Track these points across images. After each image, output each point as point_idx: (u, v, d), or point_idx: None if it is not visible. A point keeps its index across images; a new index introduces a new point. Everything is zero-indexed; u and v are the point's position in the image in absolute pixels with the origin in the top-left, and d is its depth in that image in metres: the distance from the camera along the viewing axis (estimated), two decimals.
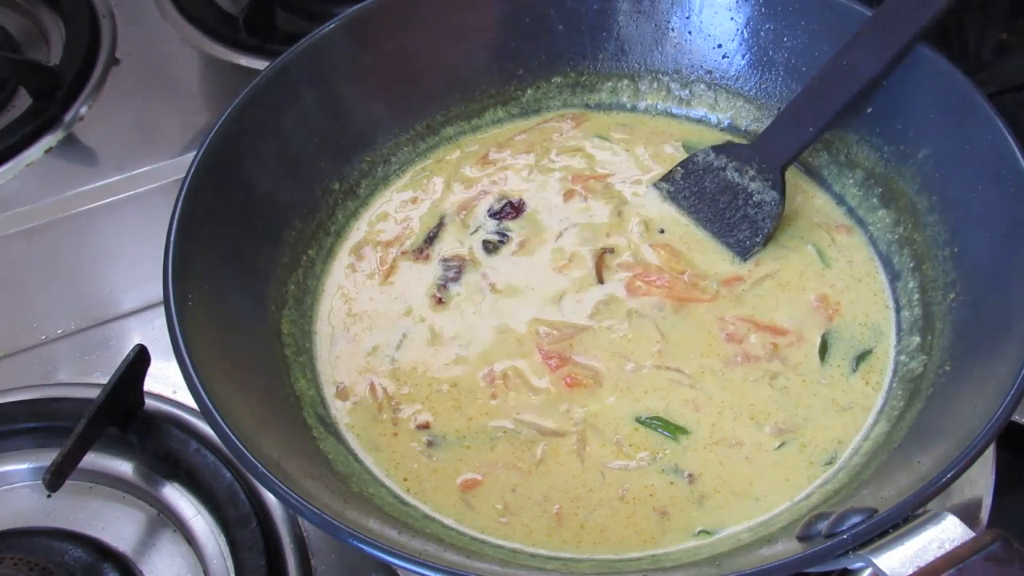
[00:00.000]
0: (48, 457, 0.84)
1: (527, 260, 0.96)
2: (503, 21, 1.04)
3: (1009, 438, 0.75)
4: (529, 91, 1.08)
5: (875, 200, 0.95)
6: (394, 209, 1.02)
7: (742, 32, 1.01)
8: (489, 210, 1.00)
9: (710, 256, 0.95)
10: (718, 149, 0.98)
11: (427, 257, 0.97)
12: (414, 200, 1.02)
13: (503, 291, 0.94)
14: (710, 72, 1.04)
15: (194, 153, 0.86)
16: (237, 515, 0.85)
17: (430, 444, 0.84)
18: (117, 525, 0.89)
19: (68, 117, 1.22)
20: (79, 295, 1.07)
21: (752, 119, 1.04)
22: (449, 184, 1.03)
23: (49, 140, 1.20)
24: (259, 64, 1.25)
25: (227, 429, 0.70)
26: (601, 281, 0.94)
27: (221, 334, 0.81)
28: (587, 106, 1.09)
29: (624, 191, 1.01)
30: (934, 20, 0.88)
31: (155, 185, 1.13)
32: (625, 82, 1.08)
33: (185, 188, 0.84)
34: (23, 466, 0.92)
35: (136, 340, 0.94)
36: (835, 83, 0.92)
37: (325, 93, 0.98)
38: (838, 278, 0.93)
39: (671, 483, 0.81)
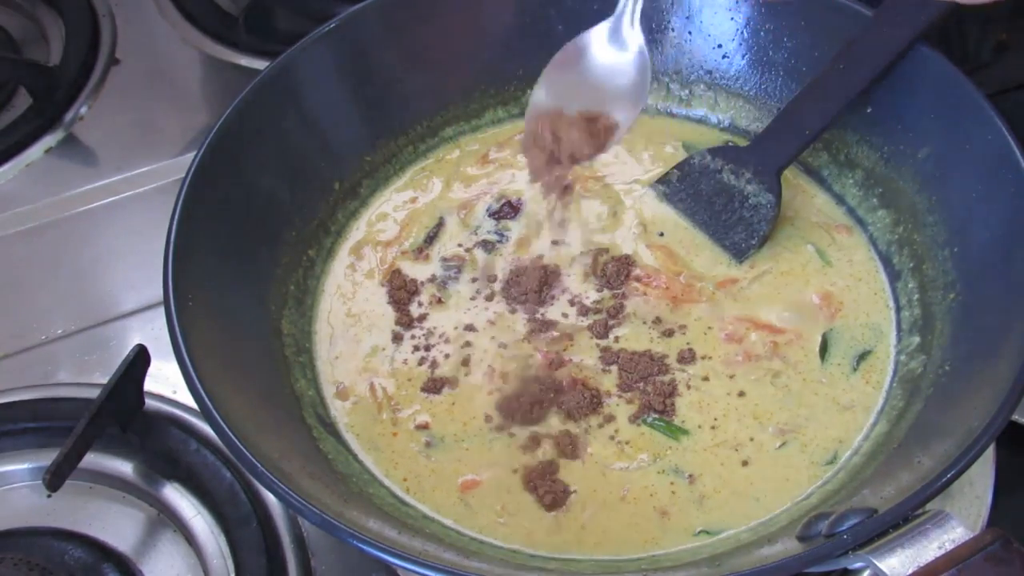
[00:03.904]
0: (48, 457, 0.84)
1: (525, 260, 0.96)
2: (503, 21, 1.04)
3: (1009, 438, 0.75)
4: (529, 91, 1.07)
5: (875, 200, 0.95)
6: (394, 209, 1.02)
7: (742, 32, 1.01)
8: (488, 209, 1.00)
9: (707, 258, 0.95)
10: (714, 151, 0.97)
11: (427, 257, 0.97)
12: (414, 200, 1.02)
13: (502, 291, 0.93)
14: (710, 72, 1.04)
15: (194, 153, 0.86)
16: (237, 515, 0.85)
17: (429, 445, 0.84)
18: (117, 525, 0.89)
19: (68, 117, 1.22)
20: (79, 295, 1.07)
21: (752, 119, 1.04)
22: (449, 184, 1.03)
23: (49, 140, 1.20)
24: (259, 64, 1.24)
25: (227, 429, 0.70)
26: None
27: (221, 334, 0.81)
28: None
29: (622, 191, 1.01)
30: (932, 23, 0.88)
31: (155, 185, 1.13)
32: None
33: (185, 188, 0.84)
34: (23, 466, 0.92)
35: (136, 340, 0.94)
36: (832, 86, 0.92)
37: (325, 93, 0.98)
38: (839, 277, 0.93)
39: (671, 483, 0.81)
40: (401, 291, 0.94)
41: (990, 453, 0.83)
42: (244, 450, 0.69)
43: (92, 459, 0.88)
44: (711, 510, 0.79)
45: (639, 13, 0.78)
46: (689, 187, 0.98)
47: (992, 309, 0.79)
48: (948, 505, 0.80)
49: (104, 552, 0.87)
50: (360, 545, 0.65)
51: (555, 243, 0.97)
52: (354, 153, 1.01)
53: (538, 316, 0.91)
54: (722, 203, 0.96)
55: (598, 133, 0.81)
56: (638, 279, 0.93)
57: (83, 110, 1.23)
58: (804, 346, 0.88)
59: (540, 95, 0.83)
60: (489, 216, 1.00)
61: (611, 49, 0.80)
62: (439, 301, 0.94)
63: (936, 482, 0.64)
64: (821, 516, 0.67)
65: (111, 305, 1.06)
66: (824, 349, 0.88)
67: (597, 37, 0.80)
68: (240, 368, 0.81)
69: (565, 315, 0.91)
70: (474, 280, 0.95)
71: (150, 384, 0.91)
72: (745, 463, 0.82)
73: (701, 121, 1.06)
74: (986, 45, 1.20)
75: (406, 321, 0.92)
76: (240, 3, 1.32)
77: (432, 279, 0.96)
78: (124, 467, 0.91)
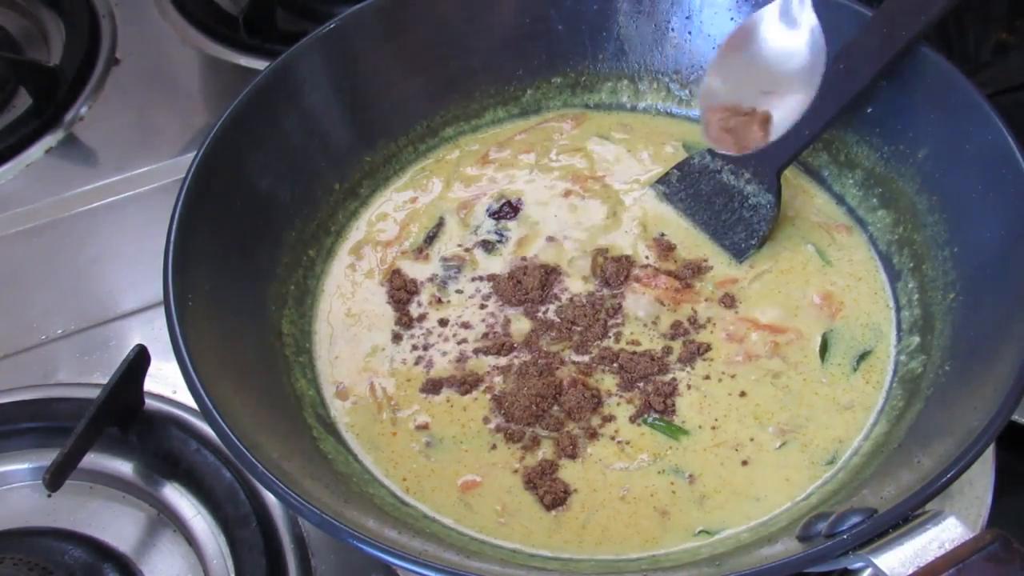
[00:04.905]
0: (48, 457, 0.84)
1: (525, 260, 0.96)
2: (503, 21, 1.04)
3: (1009, 438, 0.75)
4: (529, 91, 1.08)
5: (875, 200, 0.95)
6: (394, 209, 1.02)
7: None
8: (488, 209, 1.00)
9: (707, 257, 0.95)
10: (714, 152, 0.97)
11: (427, 257, 0.97)
12: (414, 200, 1.02)
13: (502, 291, 0.93)
14: None
15: (194, 153, 0.86)
16: (237, 515, 0.85)
17: (428, 445, 0.84)
18: (117, 525, 0.89)
19: (68, 117, 1.22)
20: (79, 295, 1.07)
21: None
22: (449, 184, 1.03)
23: (49, 140, 1.20)
24: (259, 64, 1.25)
25: (227, 429, 0.70)
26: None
27: (221, 334, 0.81)
28: (587, 106, 1.09)
29: (622, 191, 1.01)
30: (931, 23, 0.88)
31: (155, 185, 1.14)
32: (625, 82, 1.08)
33: (185, 188, 0.84)
34: (23, 466, 0.92)
35: (136, 340, 0.94)
36: (832, 87, 0.91)
37: (325, 93, 0.98)
38: (839, 277, 0.93)
39: (672, 483, 0.81)
40: (401, 291, 0.94)
41: (990, 453, 0.83)
42: (244, 450, 0.69)
43: (92, 459, 0.88)
44: (711, 510, 0.79)
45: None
46: (689, 187, 0.98)
47: (992, 309, 0.79)
48: (948, 505, 0.80)
49: (104, 552, 0.87)
50: (360, 545, 0.65)
51: (550, 239, 0.97)
52: (354, 153, 1.01)
53: (538, 316, 0.91)
54: (722, 203, 0.96)
55: (763, 126, 0.82)
56: (638, 279, 0.93)
57: (83, 110, 1.23)
58: (804, 346, 0.88)
59: (716, 83, 0.82)
60: (489, 216, 1.00)
61: (783, 29, 0.80)
62: (439, 301, 0.94)
63: (936, 482, 0.64)
64: (821, 516, 0.67)
65: (111, 305, 1.06)
66: (824, 349, 0.88)
67: (769, 17, 0.80)
68: (240, 368, 0.81)
69: (565, 315, 0.91)
70: (474, 280, 0.95)
71: (150, 384, 0.91)
72: (745, 463, 0.82)
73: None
74: (986, 45, 1.19)
75: (406, 321, 0.92)
76: (240, 3, 1.32)
77: (432, 279, 0.96)
78: (124, 467, 0.91)
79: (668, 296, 0.92)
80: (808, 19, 0.79)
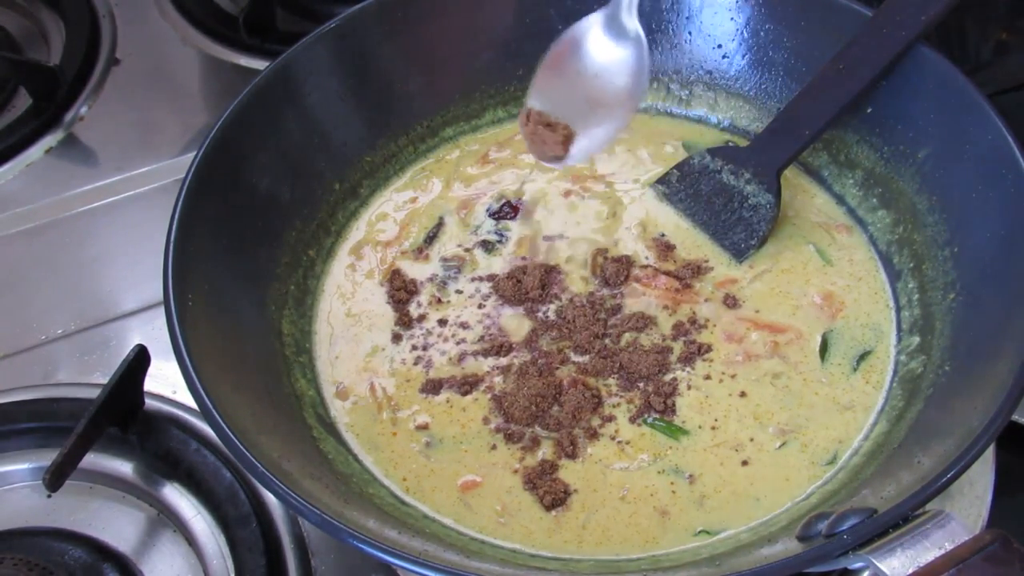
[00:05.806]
0: (48, 457, 0.84)
1: (525, 260, 0.96)
2: (503, 21, 1.04)
3: (1009, 438, 0.75)
4: None
5: (875, 200, 0.95)
6: (394, 209, 1.02)
7: (742, 32, 1.01)
8: (488, 210, 1.00)
9: (707, 257, 0.95)
10: (714, 152, 0.97)
11: (427, 257, 0.97)
12: (414, 200, 1.02)
13: (502, 291, 0.93)
14: (710, 72, 1.04)
15: (194, 153, 0.86)
16: (237, 515, 0.85)
17: (428, 445, 0.84)
18: (117, 525, 0.89)
19: (68, 117, 1.22)
20: (79, 295, 1.07)
21: (752, 119, 1.04)
22: (449, 184, 1.03)
23: (49, 140, 1.20)
24: (259, 64, 1.25)
25: (227, 429, 0.70)
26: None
27: (221, 334, 0.82)
28: None
29: (622, 192, 1.01)
30: (931, 23, 0.88)
31: (155, 185, 1.14)
32: None
33: (185, 188, 0.84)
34: (23, 466, 0.92)
35: (136, 340, 0.94)
36: (831, 87, 0.92)
37: (326, 93, 0.98)
38: (839, 276, 0.93)
39: (672, 483, 0.81)
40: (401, 291, 0.94)
41: (990, 453, 0.83)
42: (244, 450, 0.69)
43: (92, 459, 0.89)
44: (711, 510, 0.79)
45: (636, 1, 0.76)
46: (689, 187, 0.98)
47: (992, 309, 0.79)
48: (948, 505, 0.80)
49: (104, 552, 0.87)
50: (360, 545, 0.65)
51: (550, 239, 0.97)
52: (354, 153, 1.01)
53: (538, 316, 0.91)
54: (722, 203, 0.96)
55: (565, 143, 0.81)
56: (638, 279, 0.93)
57: (83, 110, 1.23)
58: (804, 346, 0.88)
59: (536, 104, 0.82)
60: (489, 216, 1.00)
61: (608, 40, 0.77)
62: (439, 301, 0.94)
63: (936, 482, 0.64)
64: (821, 516, 0.67)
65: (111, 305, 1.06)
66: (824, 349, 0.88)
67: (594, 28, 0.77)
68: (240, 368, 0.81)
69: (565, 315, 0.91)
70: (474, 280, 0.95)
71: (150, 384, 0.91)
72: (745, 463, 0.82)
73: (701, 121, 1.06)
74: (986, 45, 1.19)
75: (406, 321, 0.92)
76: (240, 3, 1.32)
77: (432, 279, 0.96)
78: (124, 467, 0.91)
79: (668, 296, 0.92)
80: (634, 26, 0.75)
